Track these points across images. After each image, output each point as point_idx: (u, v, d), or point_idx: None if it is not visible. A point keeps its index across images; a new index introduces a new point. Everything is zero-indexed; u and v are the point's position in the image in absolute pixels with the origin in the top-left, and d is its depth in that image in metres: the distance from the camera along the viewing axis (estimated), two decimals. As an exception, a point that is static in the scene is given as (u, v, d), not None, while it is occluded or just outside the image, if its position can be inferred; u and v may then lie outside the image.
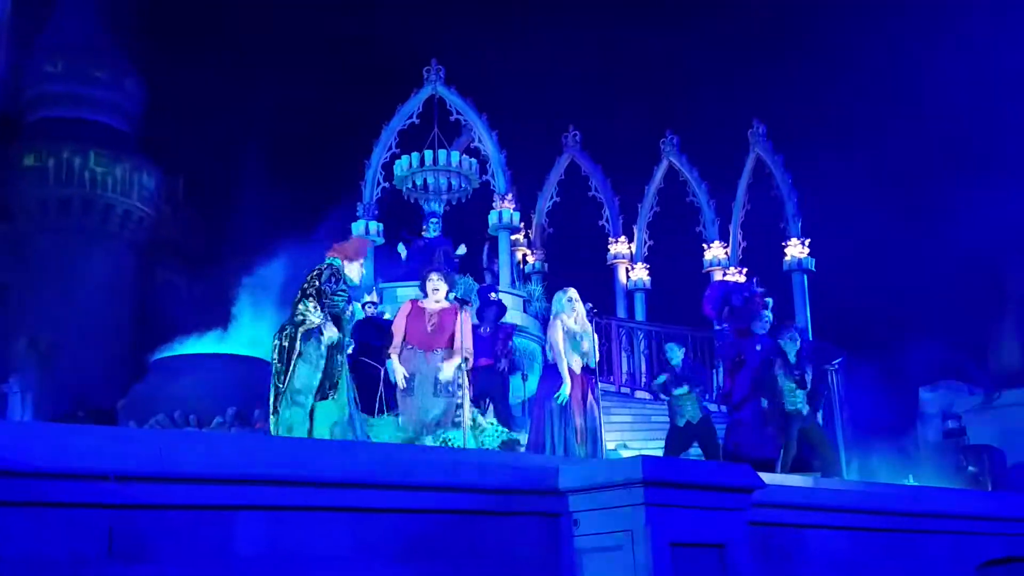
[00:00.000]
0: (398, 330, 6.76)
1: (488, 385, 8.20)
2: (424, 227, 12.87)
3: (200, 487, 3.73)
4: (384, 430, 5.86)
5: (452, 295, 6.92)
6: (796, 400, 7.99)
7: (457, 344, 6.75)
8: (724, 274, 16.77)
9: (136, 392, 10.76)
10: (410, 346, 6.76)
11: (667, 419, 8.70)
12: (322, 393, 5.62)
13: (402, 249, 12.75)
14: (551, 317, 7.47)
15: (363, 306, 9.15)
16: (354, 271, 6.00)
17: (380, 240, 13.65)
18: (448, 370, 6.76)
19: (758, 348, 8.35)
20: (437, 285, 6.92)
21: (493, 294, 9.44)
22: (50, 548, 3.38)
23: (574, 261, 16.96)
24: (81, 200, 29.61)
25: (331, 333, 5.64)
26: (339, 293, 5.83)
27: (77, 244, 28.54)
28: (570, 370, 7.24)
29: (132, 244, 30.36)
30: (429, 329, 6.80)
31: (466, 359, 6.79)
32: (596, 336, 7.36)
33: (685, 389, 8.47)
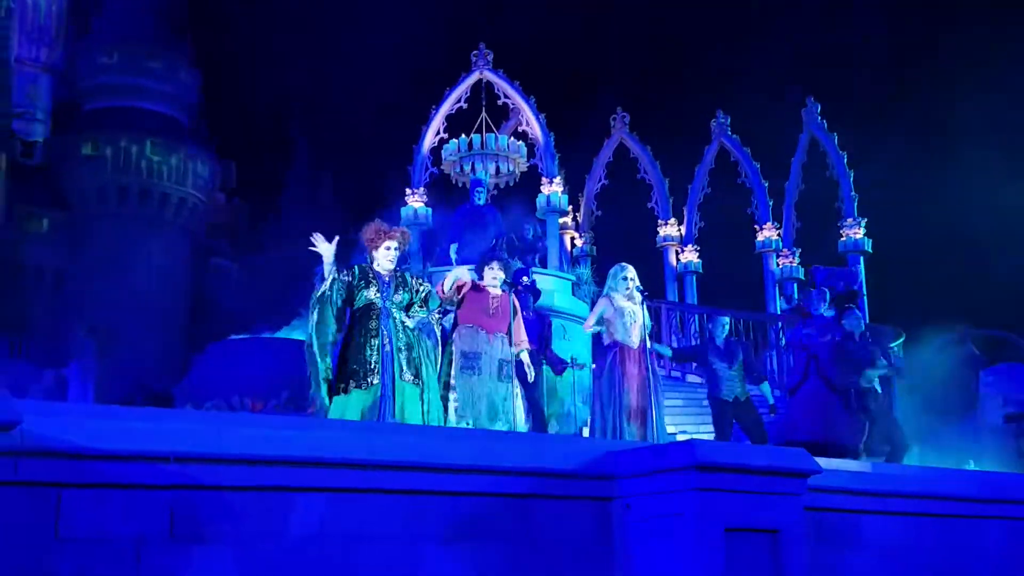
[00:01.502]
0: (456, 289, 6.68)
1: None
2: (472, 197, 12.86)
3: (256, 468, 3.79)
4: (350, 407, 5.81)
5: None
6: (869, 381, 7.98)
7: (517, 336, 6.76)
8: (777, 256, 16.57)
9: (193, 377, 10.98)
10: (470, 325, 6.74)
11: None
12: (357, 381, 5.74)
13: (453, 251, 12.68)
14: (603, 293, 7.47)
15: None
16: (382, 257, 6.00)
17: (429, 224, 13.71)
18: (525, 356, 6.83)
19: (826, 332, 8.31)
20: (498, 274, 6.90)
21: (526, 278, 9.43)
22: (114, 527, 3.47)
23: (623, 244, 16.89)
24: (138, 188, 30.18)
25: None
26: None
27: (134, 232, 29.14)
28: (625, 346, 7.24)
29: (186, 231, 30.88)
30: (491, 312, 6.77)
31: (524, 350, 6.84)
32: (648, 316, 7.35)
33: (726, 365, 8.40)
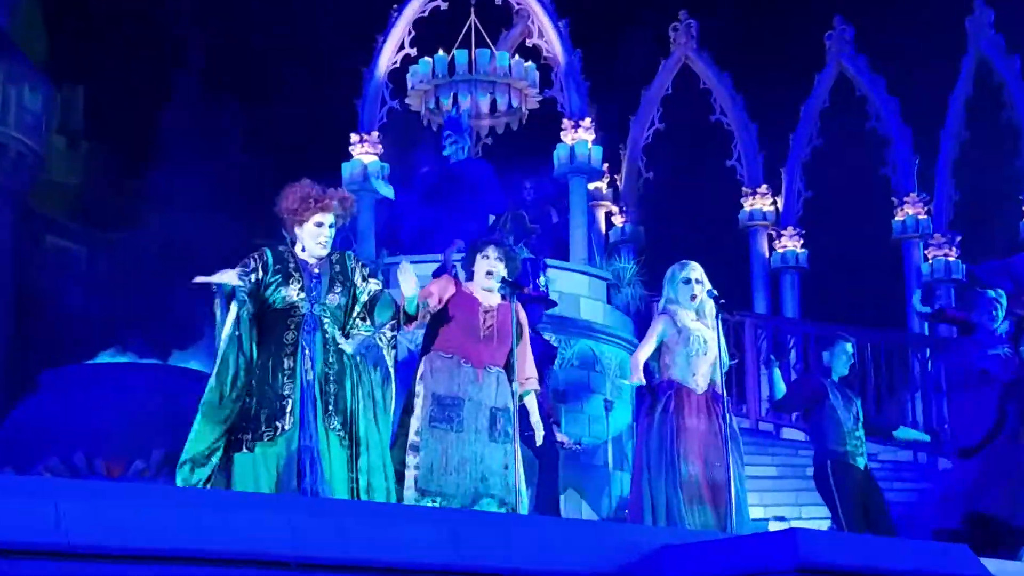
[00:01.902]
0: (432, 298, 6.65)
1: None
2: (444, 145, 12.78)
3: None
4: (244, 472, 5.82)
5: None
6: None
7: (522, 370, 6.75)
8: (925, 245, 16.58)
9: (14, 421, 10.97)
10: (449, 354, 6.72)
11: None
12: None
13: (381, 185, 12.60)
14: (659, 308, 7.49)
15: None
16: (310, 237, 6.04)
17: (387, 189, 13.72)
18: (532, 402, 6.91)
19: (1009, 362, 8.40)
20: (495, 268, 6.86)
21: (542, 277, 9.35)
22: None
23: (687, 224, 16.88)
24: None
25: None
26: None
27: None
28: (686, 388, 7.27)
29: (6, 195, 30.91)
30: (484, 333, 6.75)
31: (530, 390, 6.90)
32: (725, 341, 7.38)
33: (850, 414, 8.42)
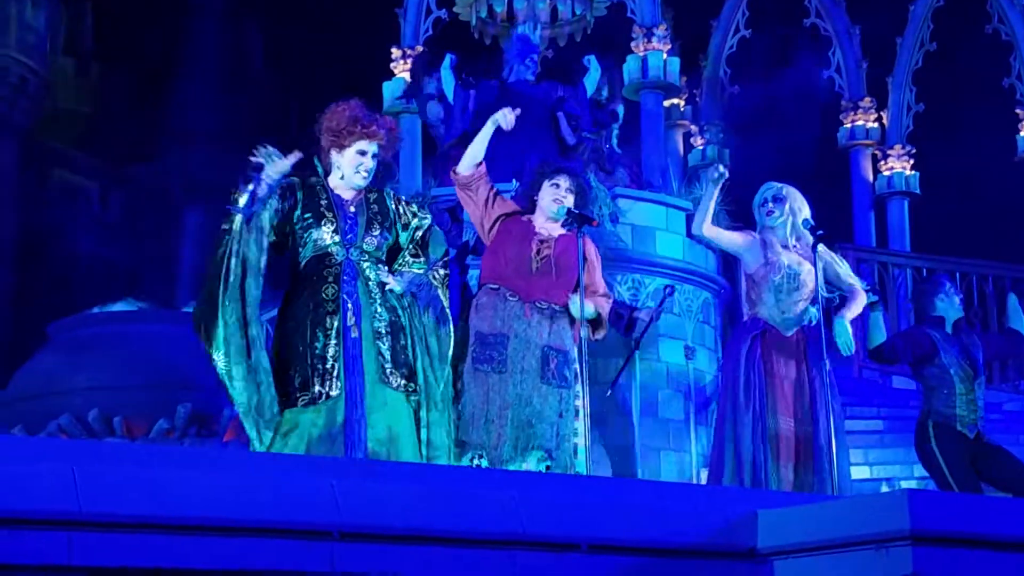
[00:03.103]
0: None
1: None
2: (512, 67, 12.63)
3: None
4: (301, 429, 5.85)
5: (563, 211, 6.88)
6: None
7: (592, 292, 6.79)
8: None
9: (25, 376, 11.13)
10: (496, 286, 6.77)
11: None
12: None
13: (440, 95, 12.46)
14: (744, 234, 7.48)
15: None
16: (349, 166, 6.05)
17: (436, 111, 13.69)
18: (602, 311, 6.86)
19: None
20: (563, 197, 6.89)
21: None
22: None
23: (778, 145, 16.72)
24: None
25: None
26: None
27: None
28: (774, 329, 7.24)
29: (8, 125, 31.20)
30: (535, 266, 6.78)
31: (597, 319, 6.84)
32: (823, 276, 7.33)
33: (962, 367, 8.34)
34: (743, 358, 7.33)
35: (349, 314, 5.91)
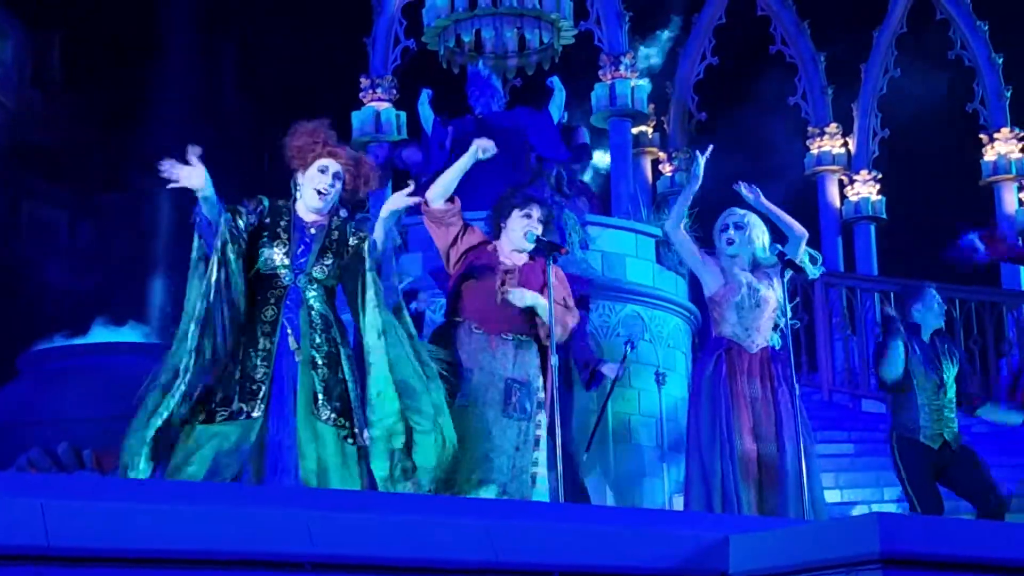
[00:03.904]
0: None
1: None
2: (476, 99, 12.59)
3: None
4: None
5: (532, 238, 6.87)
6: None
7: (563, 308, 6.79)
8: (1020, 189, 16.45)
9: (-4, 410, 11.04)
10: (460, 319, 6.77)
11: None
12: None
13: (426, 114, 12.38)
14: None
15: None
16: (310, 185, 5.99)
17: (394, 138, 13.70)
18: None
19: None
20: (535, 225, 6.88)
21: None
22: None
23: (746, 170, 16.76)
24: None
25: None
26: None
27: None
28: (739, 349, 7.24)
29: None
30: (500, 295, 6.79)
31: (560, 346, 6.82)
32: (787, 298, 7.36)
33: (934, 380, 8.31)
34: (708, 378, 7.33)
35: (291, 338, 5.85)
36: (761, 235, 7.51)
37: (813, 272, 7.59)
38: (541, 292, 6.76)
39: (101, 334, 11.88)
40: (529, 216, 6.88)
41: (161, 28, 32.08)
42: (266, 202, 6.05)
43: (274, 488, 5.47)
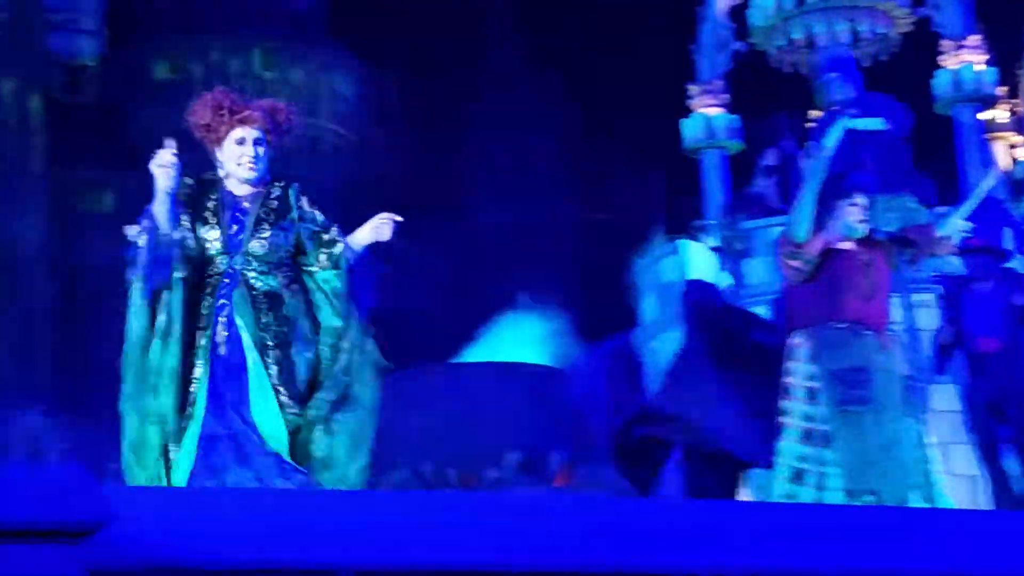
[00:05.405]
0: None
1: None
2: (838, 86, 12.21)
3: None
4: None
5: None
6: None
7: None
8: None
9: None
10: (838, 322, 6.55)
11: None
12: None
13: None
14: None
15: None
16: (230, 158, 5.34)
17: (733, 145, 13.59)
18: None
19: None
20: (861, 216, 6.62)
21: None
22: None
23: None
24: (243, 128, 31.69)
25: None
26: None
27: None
28: None
29: (322, 192, 32.25)
30: (868, 287, 6.59)
31: None
32: None
33: None
34: None
35: (220, 328, 5.23)
36: None
37: None
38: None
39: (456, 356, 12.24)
40: (854, 207, 6.62)
41: (490, 60, 32.90)
42: (192, 185, 5.36)
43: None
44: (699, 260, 7.57)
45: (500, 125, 32.32)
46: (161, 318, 5.17)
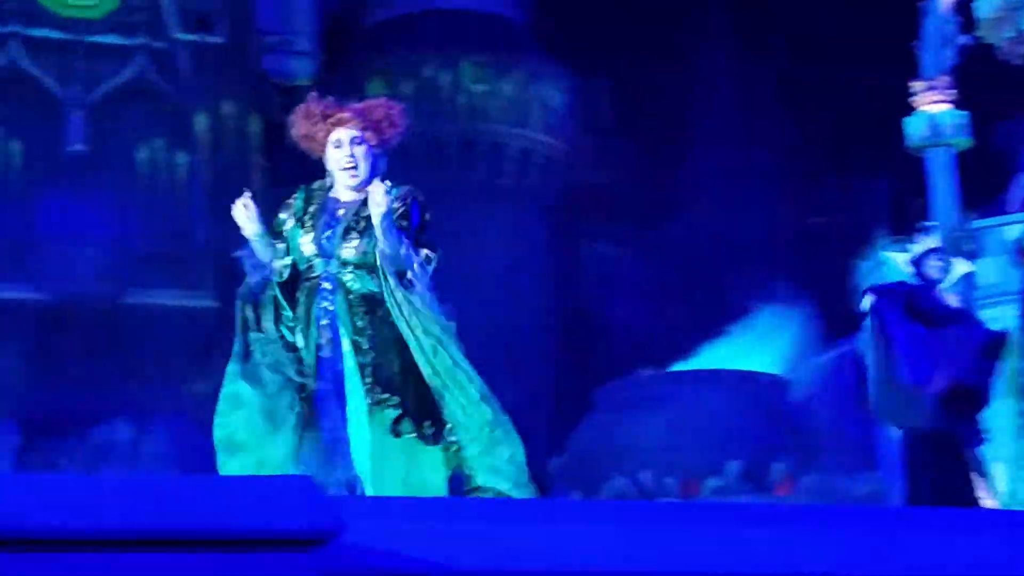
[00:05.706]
0: None
1: None
2: None
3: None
4: None
5: None
6: None
7: None
8: None
9: (578, 443, 11.44)
10: None
11: None
12: None
13: None
14: None
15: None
16: (333, 163, 5.45)
17: (962, 141, 13.23)
18: None
19: None
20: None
21: None
22: None
23: None
24: (457, 139, 32.01)
25: None
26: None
27: (452, 207, 30.67)
28: None
29: (536, 200, 32.35)
30: None
31: None
32: None
33: None
34: None
35: (322, 330, 5.37)
36: None
37: None
38: None
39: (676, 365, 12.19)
40: None
41: (700, 68, 32.70)
42: (301, 194, 5.56)
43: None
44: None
45: (712, 131, 32.09)
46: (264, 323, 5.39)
